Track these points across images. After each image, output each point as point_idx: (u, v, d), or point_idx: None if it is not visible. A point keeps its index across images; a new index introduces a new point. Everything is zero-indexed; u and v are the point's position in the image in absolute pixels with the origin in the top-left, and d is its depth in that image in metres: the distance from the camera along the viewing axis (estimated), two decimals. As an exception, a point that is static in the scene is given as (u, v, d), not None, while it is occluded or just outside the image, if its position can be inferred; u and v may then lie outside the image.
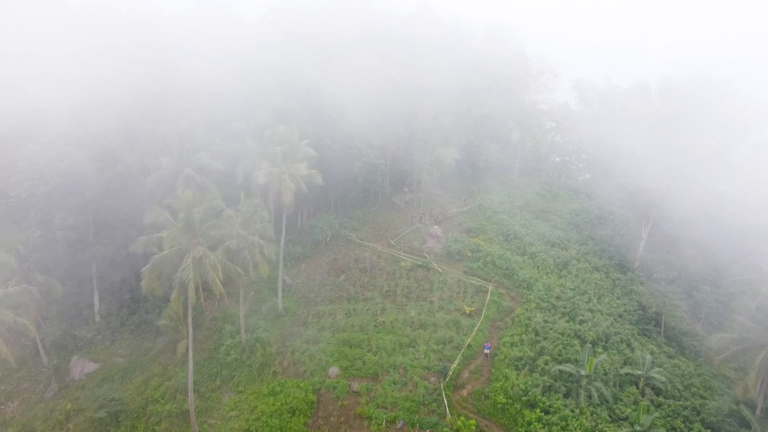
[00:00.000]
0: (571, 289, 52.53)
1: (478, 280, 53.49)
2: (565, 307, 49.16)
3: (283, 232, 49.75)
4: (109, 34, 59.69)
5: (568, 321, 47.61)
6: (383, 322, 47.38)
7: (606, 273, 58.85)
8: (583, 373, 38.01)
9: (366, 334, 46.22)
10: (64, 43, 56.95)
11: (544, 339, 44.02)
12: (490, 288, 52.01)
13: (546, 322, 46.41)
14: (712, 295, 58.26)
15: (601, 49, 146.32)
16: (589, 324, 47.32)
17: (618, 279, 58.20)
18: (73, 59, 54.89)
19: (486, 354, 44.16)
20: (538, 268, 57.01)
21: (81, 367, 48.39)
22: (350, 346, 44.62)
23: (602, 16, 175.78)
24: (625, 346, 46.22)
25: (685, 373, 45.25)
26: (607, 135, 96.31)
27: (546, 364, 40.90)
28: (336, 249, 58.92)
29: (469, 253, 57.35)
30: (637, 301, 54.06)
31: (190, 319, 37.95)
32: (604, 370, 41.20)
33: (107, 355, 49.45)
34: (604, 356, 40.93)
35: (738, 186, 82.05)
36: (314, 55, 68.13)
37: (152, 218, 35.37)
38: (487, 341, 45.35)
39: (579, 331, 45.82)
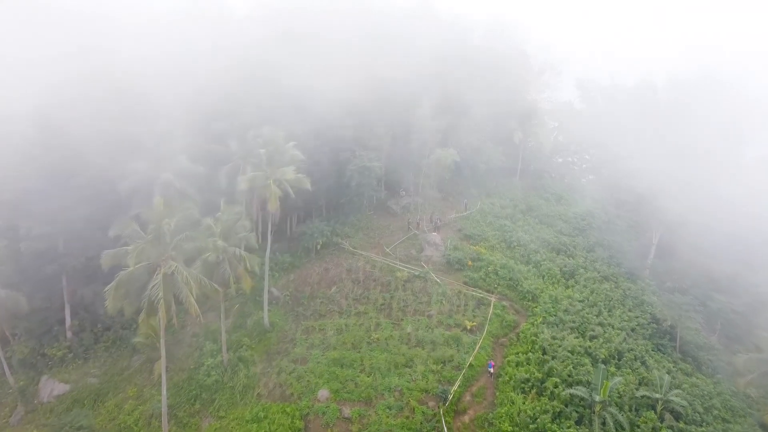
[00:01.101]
0: (579, 301, 49.35)
1: (480, 291, 50.29)
2: (573, 322, 45.98)
3: (269, 241, 46.47)
4: (86, 33, 56.25)
5: (577, 337, 44.44)
6: (377, 339, 44.16)
7: (616, 282, 55.71)
8: (597, 398, 34.80)
9: (359, 352, 43.02)
10: (34, 42, 53.49)
11: (553, 358, 40.78)
12: (493, 300, 48.81)
13: (554, 338, 43.18)
14: (728, 305, 55.22)
15: (604, 45, 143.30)
16: (601, 340, 44.19)
17: (629, 289, 55.06)
18: (44, 59, 51.42)
19: (490, 373, 41.04)
20: (543, 277, 53.85)
21: (50, 388, 45.11)
22: (341, 366, 41.43)
23: (607, 10, 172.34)
24: (640, 363, 43.06)
25: (705, 393, 42.12)
26: (612, 134, 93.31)
27: (555, 386, 37.70)
28: (327, 258, 55.66)
29: (470, 263, 54.13)
30: (650, 314, 50.95)
31: (162, 341, 34.64)
32: (619, 393, 38.02)
33: (79, 375, 46.20)
34: (619, 379, 37.72)
35: (751, 189, 78.98)
36: (305, 53, 64.77)
37: (118, 231, 32.00)
38: (491, 359, 42.23)
39: (590, 348, 42.64)
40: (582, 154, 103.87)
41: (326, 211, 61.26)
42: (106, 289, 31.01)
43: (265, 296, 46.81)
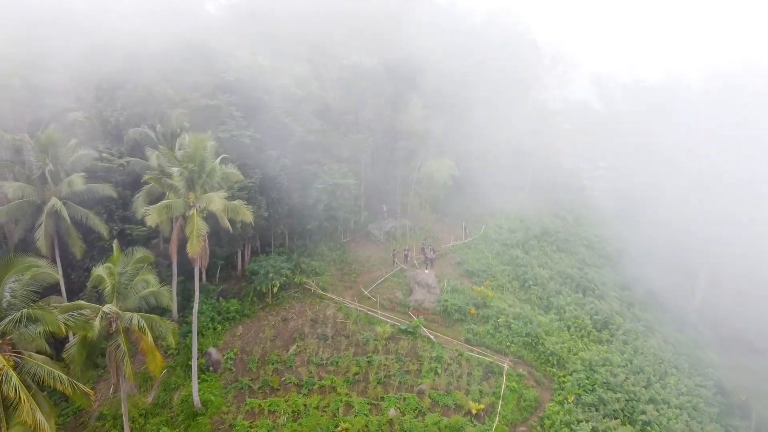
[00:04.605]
0: (621, 367, 38.42)
1: (488, 353, 39.32)
2: (618, 401, 35.03)
3: (197, 294, 35.06)
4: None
5: (624, 423, 33.50)
6: (347, 430, 32.94)
7: (663, 334, 44.93)
8: None
9: (320, 451, 31.87)
10: None
11: (597, 467, 29.82)
12: (506, 367, 37.86)
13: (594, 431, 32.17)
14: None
15: (621, 40, 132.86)
16: (657, 429, 33.28)
17: (679, 343, 44.38)
18: None
19: None
20: (569, 329, 43.00)
21: None
22: (295, 475, 30.30)
23: (620, 3, 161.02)
24: (712, 463, 32.27)
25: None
26: (632, 138, 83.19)
27: None
28: (287, 304, 44.40)
29: (473, 310, 43.12)
30: (713, 380, 40.21)
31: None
32: None
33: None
34: None
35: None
36: (262, 37, 53.81)
37: None
38: None
39: (644, 444, 31.74)
40: (596, 161, 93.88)
41: (289, 239, 50.02)
42: None
43: (194, 367, 35.54)
